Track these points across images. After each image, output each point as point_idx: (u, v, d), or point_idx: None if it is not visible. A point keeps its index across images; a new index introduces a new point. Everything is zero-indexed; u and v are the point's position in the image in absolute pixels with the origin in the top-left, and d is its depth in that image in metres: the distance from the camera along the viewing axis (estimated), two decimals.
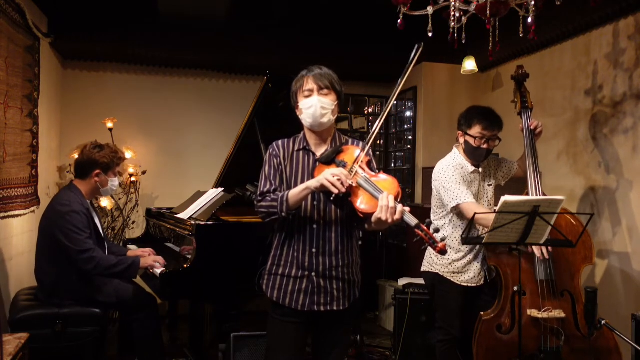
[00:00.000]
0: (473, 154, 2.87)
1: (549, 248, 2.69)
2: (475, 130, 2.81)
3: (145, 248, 3.36)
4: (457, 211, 2.82)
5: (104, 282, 3.07)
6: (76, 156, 4.44)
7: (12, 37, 3.34)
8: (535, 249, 2.69)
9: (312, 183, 1.91)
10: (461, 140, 2.91)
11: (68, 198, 2.99)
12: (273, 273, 2.07)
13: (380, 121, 2.10)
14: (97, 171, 3.08)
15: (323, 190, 1.89)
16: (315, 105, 1.98)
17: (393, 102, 2.08)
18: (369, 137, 2.04)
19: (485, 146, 2.82)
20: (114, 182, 3.17)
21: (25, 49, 3.61)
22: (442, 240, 1.77)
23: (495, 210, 2.40)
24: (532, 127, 2.90)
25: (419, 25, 2.43)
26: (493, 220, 2.37)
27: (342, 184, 1.84)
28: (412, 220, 1.79)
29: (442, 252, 1.77)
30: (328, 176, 1.85)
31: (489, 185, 2.98)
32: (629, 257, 3.26)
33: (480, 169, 2.93)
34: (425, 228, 1.78)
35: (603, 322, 2.38)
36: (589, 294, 2.37)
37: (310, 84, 2.01)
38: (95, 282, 3.03)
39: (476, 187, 2.91)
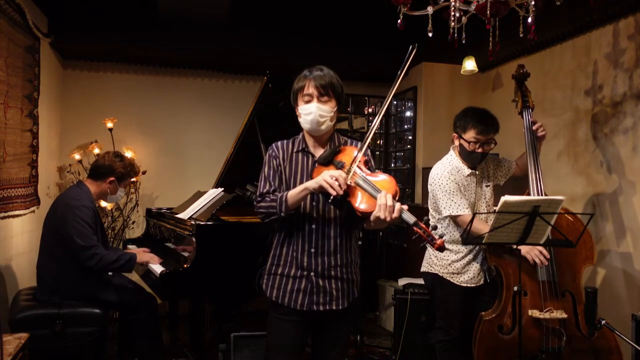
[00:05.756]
0: (468, 158, 2.87)
1: (549, 251, 2.69)
2: (470, 134, 2.80)
3: (144, 248, 3.46)
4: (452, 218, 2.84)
5: (105, 281, 3.09)
6: (77, 156, 4.50)
7: (12, 37, 3.34)
8: (529, 258, 2.68)
9: (311, 184, 1.92)
10: (456, 142, 2.90)
11: (78, 194, 3.08)
12: (272, 273, 2.08)
13: (375, 124, 2.08)
14: (112, 178, 3.19)
15: (321, 191, 1.90)
16: (314, 113, 1.99)
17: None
18: (365, 137, 2.03)
19: (480, 150, 2.81)
20: (120, 193, 3.31)
21: (25, 49, 3.60)
22: (440, 237, 1.78)
23: (495, 210, 2.40)
24: (533, 128, 2.90)
25: (419, 25, 2.43)
26: (493, 220, 2.37)
27: (339, 185, 1.84)
28: (410, 218, 1.81)
29: (441, 248, 1.78)
30: (326, 177, 1.86)
31: (486, 186, 2.97)
32: (630, 257, 3.26)
33: (477, 171, 2.92)
34: (424, 225, 1.79)
35: (603, 322, 2.38)
36: (588, 294, 2.37)
37: (310, 89, 2.00)
38: (96, 282, 3.04)
39: (473, 189, 2.90)
